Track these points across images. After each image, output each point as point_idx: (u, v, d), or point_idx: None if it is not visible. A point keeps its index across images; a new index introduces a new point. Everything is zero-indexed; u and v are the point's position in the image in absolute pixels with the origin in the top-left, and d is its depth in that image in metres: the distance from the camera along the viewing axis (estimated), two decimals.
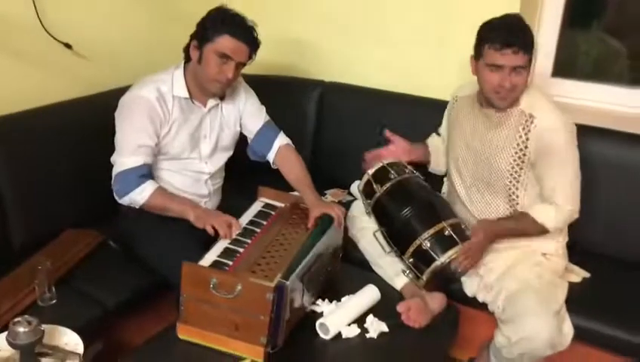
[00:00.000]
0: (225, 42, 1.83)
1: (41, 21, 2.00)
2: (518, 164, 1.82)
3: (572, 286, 1.84)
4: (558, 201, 1.78)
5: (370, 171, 2.00)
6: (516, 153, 1.81)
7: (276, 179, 2.09)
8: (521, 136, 1.79)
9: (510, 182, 1.85)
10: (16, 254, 1.89)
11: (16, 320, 1.32)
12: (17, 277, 1.75)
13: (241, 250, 1.70)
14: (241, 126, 2.13)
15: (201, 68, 1.88)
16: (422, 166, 2.15)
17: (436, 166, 2.17)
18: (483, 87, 1.80)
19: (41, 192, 1.96)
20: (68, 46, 2.12)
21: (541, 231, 1.81)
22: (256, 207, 1.95)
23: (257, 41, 1.90)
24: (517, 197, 1.86)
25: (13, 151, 1.89)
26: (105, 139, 1.92)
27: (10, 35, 1.96)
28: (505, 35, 1.69)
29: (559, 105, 1.84)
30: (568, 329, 1.71)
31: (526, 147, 1.79)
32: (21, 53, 2.01)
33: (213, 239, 1.77)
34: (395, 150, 2.10)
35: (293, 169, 2.08)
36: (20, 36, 1.99)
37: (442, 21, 2.37)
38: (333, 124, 2.57)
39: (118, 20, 2.33)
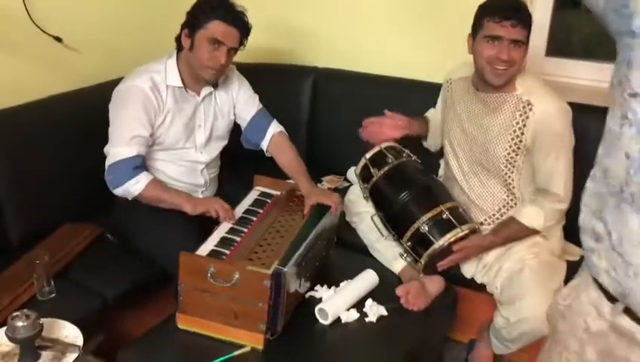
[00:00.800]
0: (215, 27, 1.83)
1: (29, 14, 1.98)
2: (514, 150, 1.81)
3: (570, 265, 1.84)
4: (552, 189, 1.78)
5: (368, 155, 2.00)
6: (512, 139, 1.80)
7: (272, 167, 2.08)
8: (517, 123, 1.78)
9: (506, 166, 1.84)
10: (13, 249, 1.89)
11: (14, 314, 1.32)
12: (16, 272, 1.75)
13: (237, 238, 1.70)
14: (234, 115, 2.12)
15: (194, 55, 1.87)
16: (417, 146, 2.14)
17: (432, 141, 2.16)
18: (479, 63, 1.79)
19: (36, 187, 1.95)
20: (58, 39, 2.11)
21: (532, 233, 1.82)
22: (252, 195, 1.95)
23: (248, 26, 1.90)
24: (512, 181, 1.86)
25: (7, 146, 1.88)
26: (99, 132, 1.90)
27: None
28: (505, 8, 1.71)
29: (554, 86, 1.84)
30: None
31: (522, 133, 1.78)
32: (10, 47, 2.00)
33: (210, 228, 1.77)
34: (391, 122, 2.09)
35: (287, 156, 2.08)
36: (8, 30, 1.97)
37: (435, 4, 2.35)
38: (328, 111, 2.56)
39: (108, 12, 2.31)
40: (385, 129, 2.07)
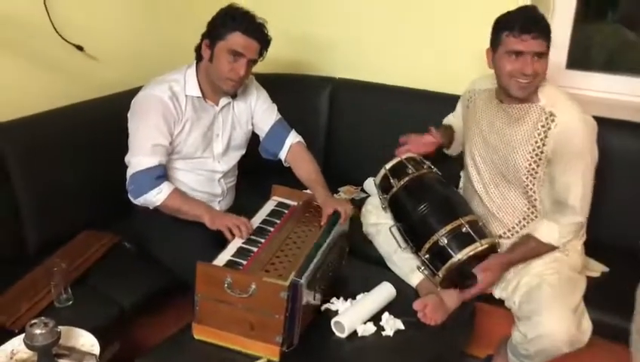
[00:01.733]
0: (236, 39, 1.83)
1: (52, 24, 2.01)
2: (535, 161, 1.79)
3: (591, 281, 1.82)
4: (569, 201, 1.75)
5: (388, 166, 1.99)
6: (533, 150, 1.78)
7: (289, 177, 2.08)
8: (539, 134, 1.77)
9: (527, 178, 1.82)
10: (32, 256, 1.91)
11: (32, 322, 1.33)
12: (34, 279, 1.76)
13: (254, 249, 1.70)
14: (252, 125, 2.12)
15: (214, 66, 1.88)
16: (437, 158, 2.12)
17: (454, 147, 2.15)
18: (501, 77, 1.78)
19: (55, 194, 1.97)
20: (79, 48, 2.13)
21: (550, 249, 1.79)
22: (269, 205, 1.95)
23: (268, 38, 1.90)
24: (534, 193, 1.84)
25: (27, 154, 1.90)
26: (118, 140, 1.92)
27: (22, 38, 1.98)
28: (523, 21, 1.69)
29: (577, 100, 1.81)
30: (587, 326, 1.68)
31: (544, 144, 1.76)
32: (33, 56, 2.03)
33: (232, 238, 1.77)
34: (433, 142, 2.07)
35: (305, 167, 2.08)
36: (32, 39, 2.00)
37: (453, 15, 2.35)
38: (345, 121, 2.56)
39: (129, 22, 2.33)
40: (421, 147, 2.05)
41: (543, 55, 1.71)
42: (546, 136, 1.76)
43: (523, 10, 1.75)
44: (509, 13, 1.76)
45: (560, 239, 1.77)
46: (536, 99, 1.79)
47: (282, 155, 2.12)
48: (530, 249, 1.80)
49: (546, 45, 1.71)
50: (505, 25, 1.73)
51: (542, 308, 1.65)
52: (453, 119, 2.17)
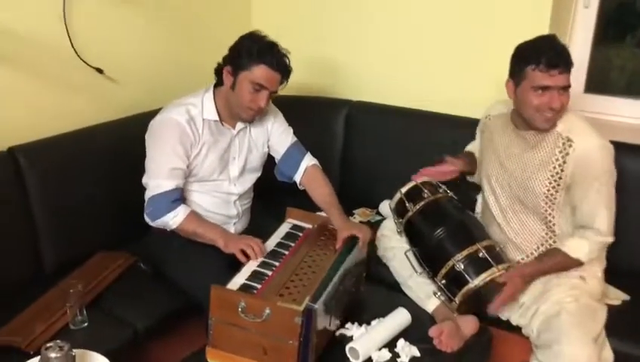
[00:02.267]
0: (261, 72, 1.84)
1: (73, 46, 2.05)
2: (553, 187, 1.78)
3: (611, 310, 1.78)
4: (594, 226, 1.73)
5: (403, 190, 1.98)
6: (552, 176, 1.77)
7: (305, 199, 2.08)
8: (557, 160, 1.75)
9: (546, 203, 1.80)
10: (48, 277, 1.91)
11: (48, 345, 1.33)
12: (49, 301, 1.77)
13: (269, 272, 1.69)
14: (268, 147, 2.13)
15: (235, 95, 1.89)
16: (454, 183, 2.11)
17: (478, 176, 2.12)
18: (526, 110, 1.75)
19: (73, 215, 1.98)
20: (99, 71, 2.16)
21: (576, 264, 1.76)
22: (284, 228, 1.95)
23: (290, 70, 1.91)
24: (553, 218, 1.82)
25: (46, 175, 1.92)
26: (135, 162, 1.94)
27: (43, 61, 2.01)
28: (551, 56, 1.66)
29: (593, 124, 1.80)
30: (608, 356, 1.65)
31: (562, 170, 1.75)
32: (54, 78, 2.06)
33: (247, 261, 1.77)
34: (453, 170, 2.03)
35: (320, 190, 2.07)
36: (52, 62, 2.04)
37: (470, 40, 2.36)
38: (361, 143, 2.56)
39: (147, 45, 2.37)
40: (440, 176, 2.03)
41: (568, 87, 1.70)
42: (564, 162, 1.74)
43: (546, 42, 1.72)
44: (531, 44, 1.73)
45: (589, 254, 1.74)
46: (553, 125, 1.77)
47: (297, 178, 2.12)
48: (557, 262, 1.77)
49: (569, 76, 1.69)
50: (530, 58, 1.69)
51: (562, 337, 1.62)
52: (474, 146, 2.16)
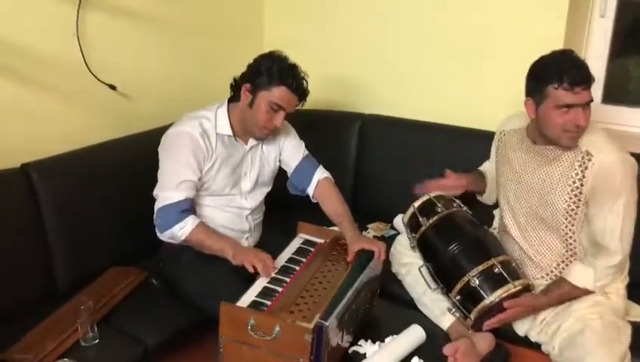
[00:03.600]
0: (281, 94, 1.85)
1: (86, 63, 2.07)
2: (574, 202, 1.73)
3: (635, 327, 1.72)
4: (605, 242, 1.69)
5: (416, 204, 1.95)
6: (572, 191, 1.72)
7: (316, 214, 2.06)
8: (577, 174, 1.71)
9: (566, 219, 1.76)
10: (61, 293, 1.91)
11: None
12: (60, 317, 1.76)
13: (279, 289, 1.67)
14: (280, 161, 2.13)
15: (251, 113, 1.89)
16: (469, 197, 2.08)
17: (488, 195, 2.10)
18: (550, 130, 1.71)
19: (85, 231, 1.98)
20: (112, 87, 2.18)
21: (585, 293, 1.72)
22: (295, 243, 1.93)
23: (307, 93, 1.92)
24: (573, 233, 1.78)
25: (59, 192, 1.93)
26: (148, 178, 1.93)
27: (56, 78, 2.03)
28: (575, 74, 1.61)
29: (613, 135, 1.76)
30: None
31: (582, 185, 1.70)
32: (67, 94, 2.08)
33: (255, 273, 1.75)
34: (452, 185, 2.01)
35: (333, 202, 2.05)
36: (66, 78, 2.06)
37: (484, 52, 2.33)
38: (374, 157, 2.54)
39: (160, 62, 2.38)
40: (444, 190, 2.00)
41: (590, 102, 1.67)
42: (584, 176, 1.70)
43: (566, 59, 1.67)
44: (550, 62, 1.68)
45: (595, 283, 1.70)
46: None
47: (310, 191, 2.10)
48: (565, 292, 1.74)
49: (591, 91, 1.66)
50: (551, 77, 1.64)
51: (587, 356, 1.57)
52: (488, 165, 2.12)
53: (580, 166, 1.71)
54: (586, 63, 1.67)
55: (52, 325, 1.73)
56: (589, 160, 1.69)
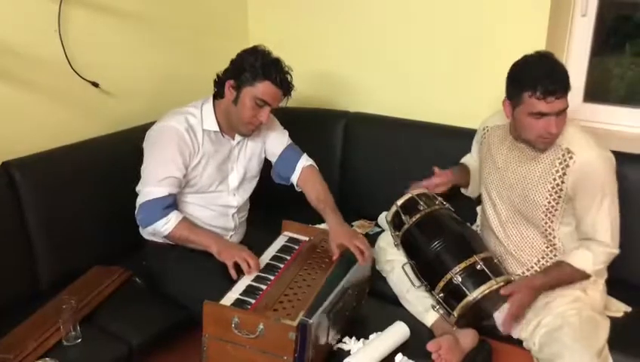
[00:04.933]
0: (265, 89, 1.84)
1: (69, 60, 2.05)
2: (554, 199, 1.76)
3: (613, 322, 1.75)
4: (598, 238, 1.71)
5: (399, 202, 1.96)
6: (552, 188, 1.75)
7: (301, 212, 2.05)
8: (557, 171, 1.73)
9: (546, 215, 1.78)
10: (44, 292, 1.90)
11: None
12: (43, 316, 1.75)
13: (263, 287, 1.67)
14: (265, 151, 2.12)
15: (236, 109, 1.88)
16: (452, 194, 2.09)
17: (472, 188, 2.11)
18: (524, 133, 1.74)
19: (68, 230, 1.97)
20: (95, 84, 2.16)
21: (583, 276, 1.74)
22: (279, 241, 1.93)
23: (292, 87, 1.91)
24: (553, 230, 1.80)
25: (41, 190, 1.91)
26: (131, 176, 1.92)
27: (38, 75, 2.01)
28: (547, 83, 1.62)
29: (593, 133, 1.78)
30: None
31: (562, 182, 1.73)
32: (49, 92, 2.05)
33: (240, 271, 1.75)
34: (441, 182, 2.03)
35: (315, 190, 2.05)
36: (48, 75, 2.03)
37: (468, 50, 2.34)
38: (360, 155, 2.54)
39: (143, 58, 2.36)
40: (433, 188, 2.02)
41: (565, 109, 1.68)
42: (564, 173, 1.72)
43: (543, 66, 1.66)
44: (527, 67, 1.69)
45: (594, 266, 1.72)
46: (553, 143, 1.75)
47: (294, 179, 2.10)
48: (565, 274, 1.75)
49: (567, 99, 1.67)
50: (526, 85, 1.65)
51: (565, 351, 1.59)
52: (470, 159, 2.14)
53: (560, 163, 1.73)
54: (564, 69, 1.67)
55: (34, 324, 1.71)
56: (570, 158, 1.71)
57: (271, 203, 2.18)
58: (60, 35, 2.00)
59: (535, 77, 1.64)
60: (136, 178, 1.91)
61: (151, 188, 1.85)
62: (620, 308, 1.85)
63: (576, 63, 2.30)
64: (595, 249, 1.72)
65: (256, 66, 1.83)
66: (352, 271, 1.71)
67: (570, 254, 1.76)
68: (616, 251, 1.74)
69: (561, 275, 1.76)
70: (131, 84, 2.32)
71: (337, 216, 1.93)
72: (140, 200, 1.87)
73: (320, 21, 2.68)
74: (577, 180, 1.71)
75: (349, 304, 1.72)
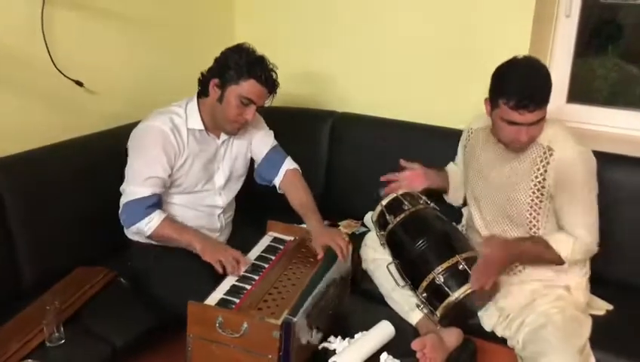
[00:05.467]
0: (250, 87, 1.83)
1: (52, 59, 2.03)
2: (537, 197, 1.77)
3: (595, 320, 1.77)
4: (576, 235, 1.73)
5: (384, 202, 1.96)
6: (535, 186, 1.76)
7: (286, 213, 2.05)
8: (539, 169, 1.75)
9: (530, 214, 1.80)
10: (27, 293, 1.87)
11: None
12: (26, 317, 1.73)
13: (248, 286, 1.67)
14: (250, 151, 2.12)
15: (221, 108, 1.87)
16: (438, 195, 2.10)
17: (453, 196, 2.12)
18: (498, 135, 1.77)
19: (51, 230, 1.95)
20: (79, 83, 2.14)
21: (556, 260, 1.74)
22: (264, 241, 1.93)
23: (277, 85, 1.90)
24: (538, 230, 1.81)
25: (24, 190, 1.89)
26: (116, 175, 1.91)
27: (21, 74, 1.99)
28: (522, 97, 1.62)
29: (577, 134, 1.80)
30: None
31: (544, 179, 1.74)
32: (33, 91, 2.04)
33: (225, 270, 1.75)
34: (410, 175, 2.06)
35: (298, 194, 2.05)
36: (32, 75, 2.02)
37: (454, 51, 2.35)
38: (346, 155, 2.54)
39: (128, 57, 2.35)
40: (406, 183, 2.03)
41: (539, 121, 1.68)
42: (545, 171, 1.74)
43: (521, 76, 1.66)
44: (509, 74, 1.69)
45: (572, 254, 1.72)
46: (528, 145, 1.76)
47: (277, 182, 2.10)
48: (539, 251, 1.75)
49: (544, 110, 1.67)
50: (502, 92, 1.66)
51: (548, 350, 1.61)
52: (453, 166, 2.14)
53: (541, 161, 1.74)
54: (545, 82, 1.66)
55: (17, 325, 1.69)
56: (551, 155, 1.73)
57: (256, 203, 2.17)
58: (43, 33, 1.98)
59: (512, 87, 1.65)
60: (121, 177, 1.90)
61: (134, 187, 1.84)
62: (602, 306, 1.87)
63: (560, 64, 2.33)
64: (579, 239, 1.73)
65: (240, 64, 1.82)
66: (333, 269, 1.72)
67: (552, 234, 1.76)
68: (595, 249, 1.75)
69: (535, 250, 1.75)
70: (116, 83, 2.31)
71: (318, 219, 1.95)
72: (123, 200, 1.86)
73: (307, 21, 2.69)
74: (558, 176, 1.72)
75: (331, 302, 1.72)
